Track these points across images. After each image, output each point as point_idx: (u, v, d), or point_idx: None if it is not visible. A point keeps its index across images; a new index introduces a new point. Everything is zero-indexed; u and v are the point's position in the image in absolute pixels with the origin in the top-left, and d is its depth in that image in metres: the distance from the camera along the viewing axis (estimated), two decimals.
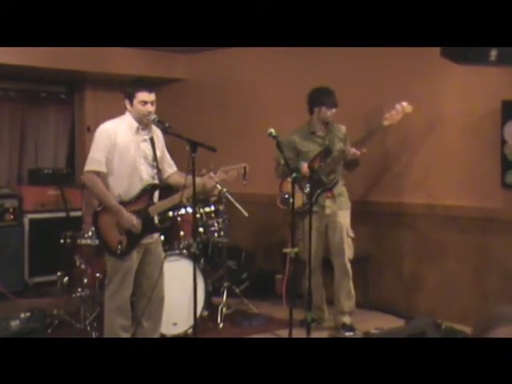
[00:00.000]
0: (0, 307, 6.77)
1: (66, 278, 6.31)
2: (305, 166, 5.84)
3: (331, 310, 6.22)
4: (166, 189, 5.30)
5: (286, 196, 5.69)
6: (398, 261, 6.66)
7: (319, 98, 5.93)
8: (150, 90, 4.89)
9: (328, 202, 5.92)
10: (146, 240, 5.03)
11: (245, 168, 4.96)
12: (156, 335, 5.22)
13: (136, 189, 4.95)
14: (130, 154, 4.90)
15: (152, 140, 5.01)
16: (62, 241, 6.34)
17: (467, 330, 4.81)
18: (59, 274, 6.39)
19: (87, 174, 4.92)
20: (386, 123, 5.67)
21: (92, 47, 7.06)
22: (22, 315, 5.92)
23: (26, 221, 7.79)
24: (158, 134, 5.05)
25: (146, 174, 4.98)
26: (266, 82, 7.77)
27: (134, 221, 4.88)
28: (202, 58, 8.62)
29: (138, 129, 4.93)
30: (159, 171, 5.04)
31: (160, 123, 4.81)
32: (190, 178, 4.57)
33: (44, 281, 7.71)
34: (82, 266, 6.07)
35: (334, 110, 5.93)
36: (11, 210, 7.66)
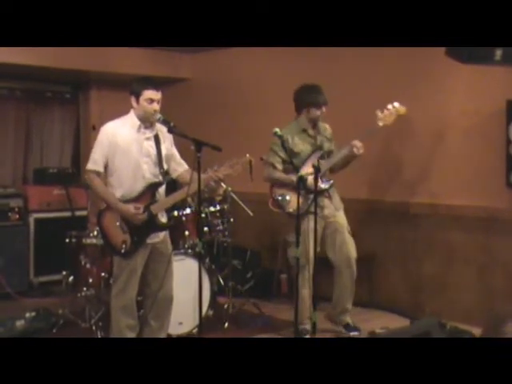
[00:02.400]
0: (5, 307, 6.79)
1: (71, 278, 6.31)
2: (310, 180, 5.65)
3: (329, 310, 6.12)
4: (173, 187, 5.30)
5: (280, 198, 5.62)
6: (403, 260, 6.65)
7: (307, 97, 5.75)
8: (156, 89, 4.90)
9: (326, 202, 5.85)
10: (152, 239, 5.03)
11: (250, 161, 4.87)
12: (163, 335, 5.23)
13: (139, 187, 4.96)
14: (131, 153, 4.92)
15: (157, 138, 5.02)
16: (67, 240, 6.34)
17: (472, 329, 4.81)
18: (64, 273, 6.39)
19: (86, 172, 5.01)
20: (380, 124, 5.58)
21: (97, 47, 7.07)
22: (27, 315, 5.94)
23: (31, 220, 7.80)
24: (164, 132, 5.03)
25: (149, 173, 4.98)
26: (271, 81, 7.78)
27: (131, 209, 4.89)
28: (206, 58, 8.63)
29: (140, 127, 4.94)
30: (163, 169, 5.04)
31: (165, 123, 4.81)
32: (194, 174, 4.57)
33: (49, 280, 7.71)
34: (87, 266, 6.07)
35: (324, 109, 5.76)
36: (16, 209, 7.67)
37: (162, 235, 5.15)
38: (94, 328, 5.85)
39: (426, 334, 4.28)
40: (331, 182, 5.82)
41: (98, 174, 4.94)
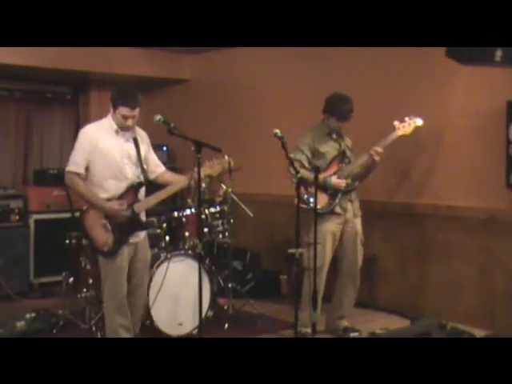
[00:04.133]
0: (5, 308, 6.78)
1: (71, 279, 6.33)
2: (334, 179, 5.69)
3: (326, 315, 6.04)
4: (153, 186, 5.34)
5: (306, 196, 5.57)
6: (404, 261, 6.65)
7: (333, 107, 5.75)
8: (132, 107, 4.92)
9: (349, 206, 5.86)
10: (133, 239, 5.09)
11: (229, 163, 5.00)
12: (136, 329, 5.29)
13: (121, 188, 5.01)
14: (113, 155, 4.98)
15: (136, 140, 5.09)
16: (67, 241, 6.36)
17: (472, 330, 4.81)
18: (64, 274, 6.40)
19: (67, 174, 5.03)
20: (399, 133, 5.65)
21: (97, 48, 7.08)
22: (28, 316, 5.93)
23: (31, 221, 7.80)
24: (141, 134, 5.18)
25: (131, 174, 5.05)
26: (272, 82, 7.77)
27: (115, 206, 4.94)
28: (207, 59, 8.63)
29: (117, 130, 5.01)
30: (144, 170, 5.11)
31: (165, 124, 4.82)
32: (174, 175, 5.03)
33: (49, 281, 7.71)
34: (87, 267, 6.07)
35: (342, 124, 5.78)
36: (16, 210, 7.67)
37: (143, 235, 5.23)
38: (93, 329, 5.85)
39: (426, 334, 4.28)
40: (354, 185, 5.87)
41: (78, 175, 4.98)
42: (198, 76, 8.86)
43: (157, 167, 5.30)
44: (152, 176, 5.25)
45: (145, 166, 5.13)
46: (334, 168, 5.79)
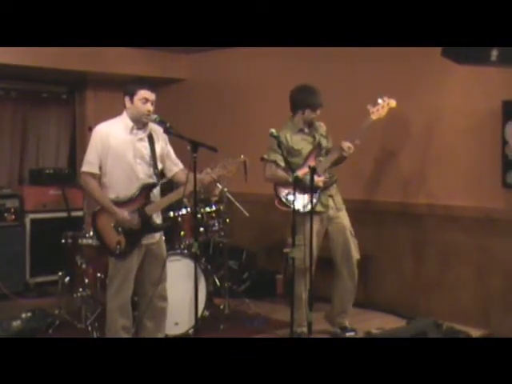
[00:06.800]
0: (1, 307, 6.78)
1: (67, 278, 6.32)
2: (301, 172, 5.60)
3: (328, 310, 6.05)
4: (167, 187, 5.29)
5: (289, 197, 5.57)
6: (399, 261, 6.65)
7: (304, 99, 5.76)
8: (151, 89, 4.90)
9: (331, 202, 5.84)
10: (147, 240, 5.01)
11: (244, 162, 4.84)
12: (160, 335, 5.21)
13: (133, 189, 4.94)
14: (125, 154, 4.90)
15: (151, 138, 5.00)
16: (63, 241, 6.35)
17: (468, 330, 4.82)
18: (60, 274, 6.39)
19: (82, 175, 4.97)
20: (374, 117, 5.60)
21: (93, 47, 7.07)
22: (24, 315, 5.92)
23: (27, 221, 7.80)
24: (158, 132, 5.02)
25: (143, 174, 4.96)
26: (268, 82, 7.77)
27: (126, 215, 4.88)
28: (203, 59, 8.63)
29: (132, 129, 4.93)
30: (157, 170, 5.02)
31: (161, 123, 4.80)
32: (189, 175, 4.59)
33: (45, 281, 7.71)
34: (83, 266, 6.07)
35: (318, 112, 5.78)
36: (12, 210, 7.67)
37: (158, 236, 5.13)
38: (89, 328, 5.85)
39: (422, 334, 4.29)
40: (333, 179, 5.83)
41: (93, 175, 4.91)
42: (195, 76, 8.87)
43: (174, 166, 5.18)
44: (169, 174, 5.17)
45: (160, 166, 5.04)
46: (311, 163, 5.70)
